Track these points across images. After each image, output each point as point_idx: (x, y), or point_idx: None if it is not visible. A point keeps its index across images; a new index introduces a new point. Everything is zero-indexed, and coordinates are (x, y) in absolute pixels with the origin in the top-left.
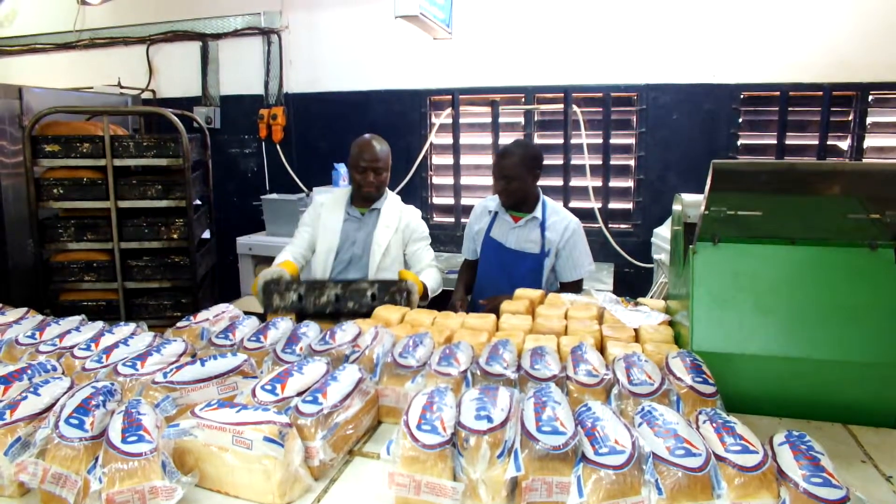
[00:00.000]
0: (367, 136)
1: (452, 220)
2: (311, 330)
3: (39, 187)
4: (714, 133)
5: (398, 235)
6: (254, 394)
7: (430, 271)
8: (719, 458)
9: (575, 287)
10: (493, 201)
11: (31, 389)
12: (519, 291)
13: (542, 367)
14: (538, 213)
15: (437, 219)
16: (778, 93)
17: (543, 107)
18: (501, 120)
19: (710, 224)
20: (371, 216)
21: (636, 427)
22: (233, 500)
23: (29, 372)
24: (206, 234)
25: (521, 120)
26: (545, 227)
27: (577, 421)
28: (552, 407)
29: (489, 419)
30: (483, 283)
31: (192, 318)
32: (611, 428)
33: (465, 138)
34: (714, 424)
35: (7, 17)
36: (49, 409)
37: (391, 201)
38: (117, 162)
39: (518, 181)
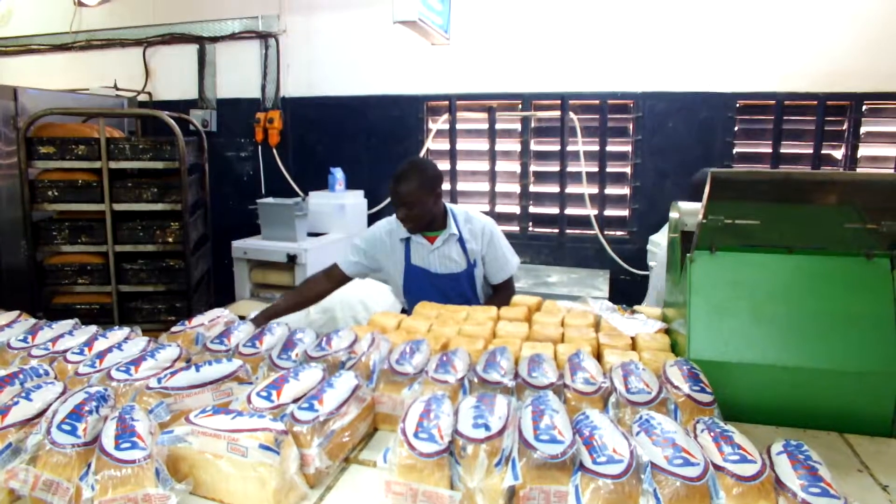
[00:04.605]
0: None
1: None
2: (306, 336)
3: (34, 189)
4: (710, 141)
5: None
6: (249, 400)
7: None
8: (717, 467)
9: (507, 286)
10: (400, 228)
11: (23, 394)
12: (516, 298)
13: (540, 374)
14: (452, 227)
15: None
16: (773, 102)
17: (540, 113)
18: (498, 126)
19: (707, 232)
20: None
21: (634, 436)
22: None
23: (21, 376)
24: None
25: (518, 126)
26: (464, 239)
27: (574, 429)
28: (550, 415)
29: (487, 427)
30: None
31: (186, 322)
32: (609, 437)
33: (462, 144)
34: (712, 433)
35: (3, 17)
36: (41, 414)
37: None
38: (112, 164)
39: (419, 206)
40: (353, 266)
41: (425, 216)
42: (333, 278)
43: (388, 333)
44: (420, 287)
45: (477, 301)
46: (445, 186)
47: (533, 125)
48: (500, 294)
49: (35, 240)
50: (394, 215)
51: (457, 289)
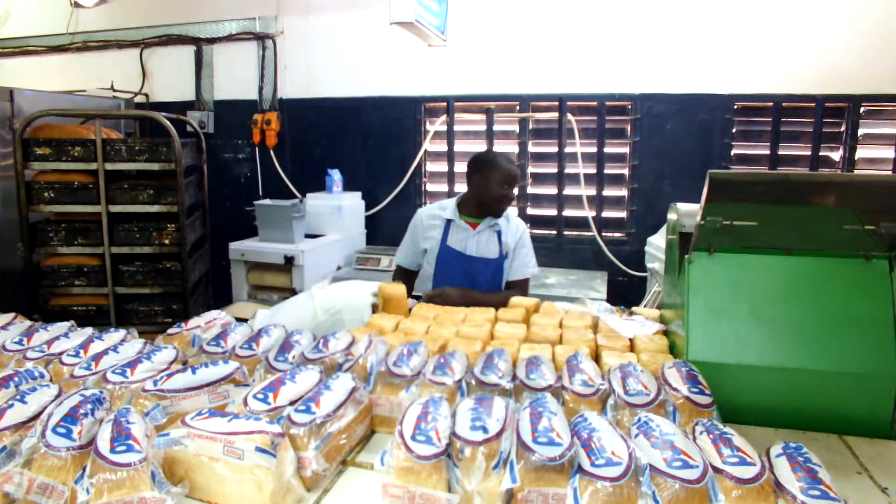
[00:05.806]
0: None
1: None
2: (303, 338)
3: (30, 190)
4: (708, 143)
5: None
6: (245, 403)
7: None
8: (717, 469)
9: (521, 286)
10: (443, 210)
11: (18, 397)
12: (514, 300)
13: (538, 376)
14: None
15: None
16: (771, 103)
17: (538, 115)
18: (496, 128)
19: (705, 234)
20: None
21: (632, 438)
22: None
23: (16, 379)
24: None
25: (516, 128)
26: (501, 231)
27: (573, 432)
28: (548, 417)
29: (485, 430)
30: None
31: (183, 324)
32: (607, 439)
33: (460, 146)
34: (711, 436)
35: None
36: (36, 417)
37: None
38: (109, 166)
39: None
40: (407, 258)
41: None
42: (403, 276)
43: (386, 335)
44: (450, 269)
45: (499, 290)
46: (444, 188)
47: (531, 126)
48: (514, 291)
49: (31, 241)
50: (433, 203)
51: (486, 274)
